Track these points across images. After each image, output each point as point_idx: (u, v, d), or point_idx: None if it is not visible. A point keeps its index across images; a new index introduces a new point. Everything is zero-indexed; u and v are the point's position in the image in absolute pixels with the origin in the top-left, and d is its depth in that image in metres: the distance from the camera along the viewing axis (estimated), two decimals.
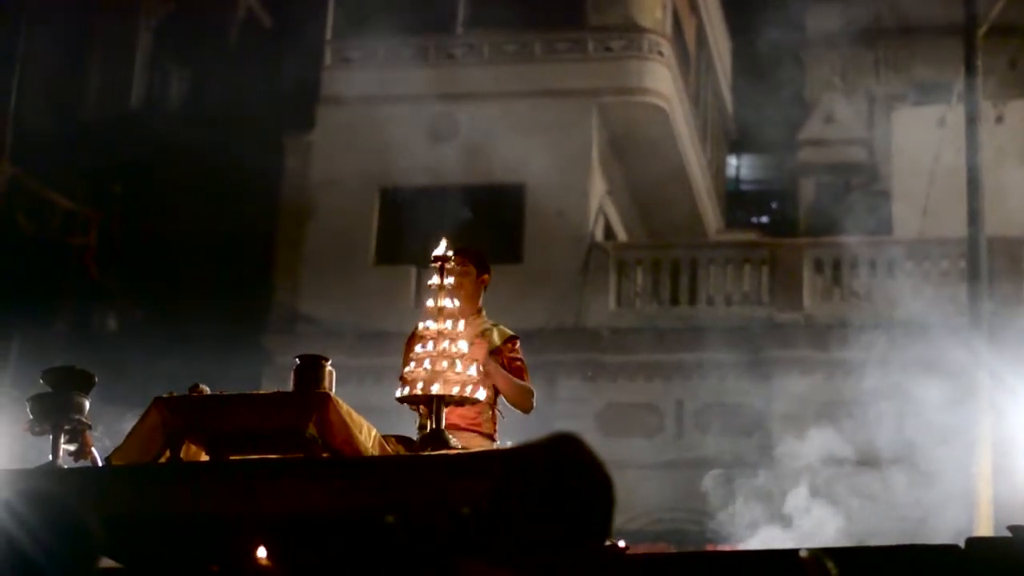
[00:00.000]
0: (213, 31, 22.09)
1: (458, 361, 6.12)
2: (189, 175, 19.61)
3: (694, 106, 23.32)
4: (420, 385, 6.11)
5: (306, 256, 19.89)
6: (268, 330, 19.50)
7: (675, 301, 19.40)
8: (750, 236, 22.98)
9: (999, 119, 19.40)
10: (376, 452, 6.00)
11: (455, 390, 6.10)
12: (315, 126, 20.44)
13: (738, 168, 28.75)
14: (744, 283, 19.33)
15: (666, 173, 21.52)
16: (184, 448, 6.10)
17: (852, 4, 24.40)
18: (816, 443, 14.14)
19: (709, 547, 15.23)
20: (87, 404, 6.28)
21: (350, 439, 5.89)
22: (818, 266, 19.25)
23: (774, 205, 27.79)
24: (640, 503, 16.83)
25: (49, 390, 6.24)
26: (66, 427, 6.20)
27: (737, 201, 27.83)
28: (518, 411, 6.75)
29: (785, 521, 12.97)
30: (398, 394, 6.22)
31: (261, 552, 5.99)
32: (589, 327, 19.05)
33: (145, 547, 6.12)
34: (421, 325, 6.27)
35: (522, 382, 6.69)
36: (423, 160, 19.51)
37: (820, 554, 4.07)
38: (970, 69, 15.02)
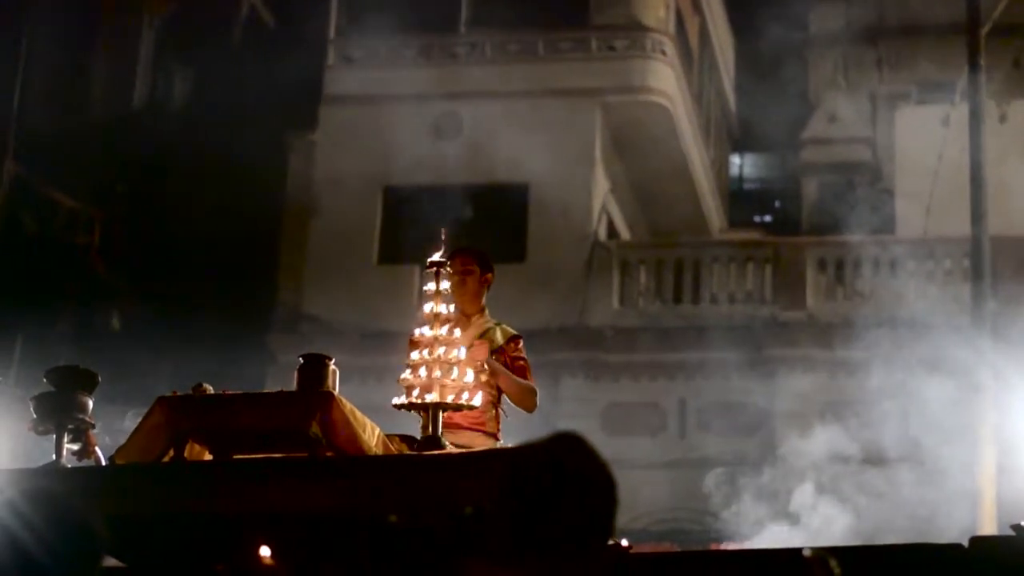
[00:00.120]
0: (216, 30, 22.08)
1: (454, 367, 6.13)
2: (192, 174, 19.63)
3: (697, 105, 23.30)
4: (416, 392, 6.12)
5: (309, 255, 19.88)
6: (271, 329, 19.49)
7: (678, 300, 19.39)
8: (753, 235, 22.96)
9: (1003, 118, 19.34)
10: (380, 451, 6.00)
11: (450, 397, 6.10)
12: (318, 125, 20.43)
13: (741, 167, 28.75)
14: (747, 282, 19.32)
15: (669, 172, 21.51)
16: (188, 447, 6.10)
17: (855, 3, 24.36)
18: (820, 441, 14.16)
19: (713, 546, 15.22)
20: (91, 403, 6.29)
21: (353, 438, 5.89)
22: (821, 265, 19.24)
23: (777, 204, 27.77)
24: (643, 502, 16.81)
25: (53, 389, 6.25)
26: (70, 426, 6.20)
27: (740, 200, 27.79)
28: (522, 410, 6.75)
29: (792, 519, 12.98)
30: (395, 401, 6.24)
31: (265, 551, 6.00)
32: (592, 326, 19.05)
33: (149, 546, 6.12)
34: (417, 332, 6.27)
35: (525, 381, 6.69)
36: (426, 159, 19.51)
37: (823, 553, 4.07)
38: (974, 68, 15.00)
